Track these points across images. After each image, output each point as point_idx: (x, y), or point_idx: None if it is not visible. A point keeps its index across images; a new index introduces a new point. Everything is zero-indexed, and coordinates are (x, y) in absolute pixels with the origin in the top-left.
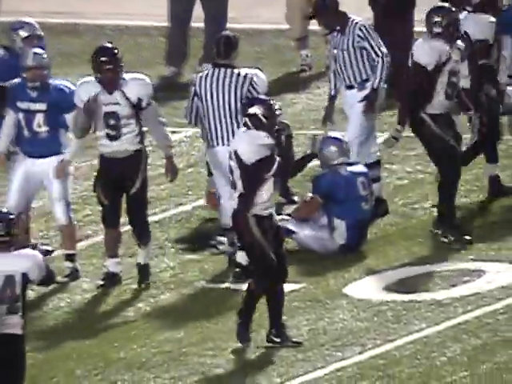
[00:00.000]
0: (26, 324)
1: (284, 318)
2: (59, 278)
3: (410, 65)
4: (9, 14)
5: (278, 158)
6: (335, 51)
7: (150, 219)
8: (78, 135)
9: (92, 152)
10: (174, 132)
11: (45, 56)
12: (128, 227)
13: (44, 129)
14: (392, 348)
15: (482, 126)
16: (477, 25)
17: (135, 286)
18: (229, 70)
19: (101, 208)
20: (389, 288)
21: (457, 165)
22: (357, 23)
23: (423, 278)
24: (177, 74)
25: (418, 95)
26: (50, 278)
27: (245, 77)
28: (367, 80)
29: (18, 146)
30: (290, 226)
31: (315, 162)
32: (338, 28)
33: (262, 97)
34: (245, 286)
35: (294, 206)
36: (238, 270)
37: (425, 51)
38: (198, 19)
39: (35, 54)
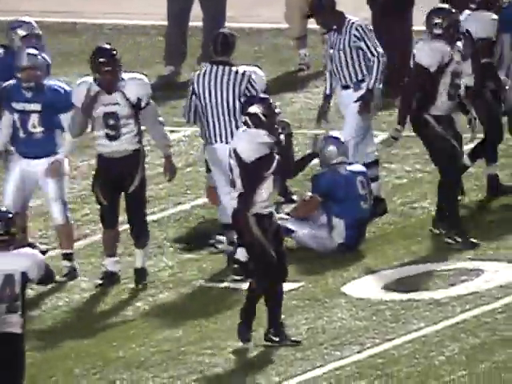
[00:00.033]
0: (25, 323)
1: (283, 316)
2: (57, 278)
3: (411, 66)
4: (7, 13)
5: (277, 157)
6: (331, 51)
7: (149, 218)
8: (75, 134)
9: (90, 151)
10: (172, 131)
11: (39, 57)
12: (126, 226)
13: (39, 129)
14: (390, 347)
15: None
16: (479, 23)
17: (134, 285)
18: (227, 68)
19: (99, 207)
20: (387, 287)
21: (457, 165)
22: (353, 23)
23: (422, 278)
24: (175, 73)
25: (421, 97)
26: (50, 277)
27: (243, 74)
28: (363, 80)
29: (14, 146)
30: (289, 225)
31: (314, 161)
32: (335, 27)
33: (262, 95)
34: (244, 285)
35: (293, 205)
36: (236, 266)
37: (426, 53)
38: (196, 18)
39: (29, 54)
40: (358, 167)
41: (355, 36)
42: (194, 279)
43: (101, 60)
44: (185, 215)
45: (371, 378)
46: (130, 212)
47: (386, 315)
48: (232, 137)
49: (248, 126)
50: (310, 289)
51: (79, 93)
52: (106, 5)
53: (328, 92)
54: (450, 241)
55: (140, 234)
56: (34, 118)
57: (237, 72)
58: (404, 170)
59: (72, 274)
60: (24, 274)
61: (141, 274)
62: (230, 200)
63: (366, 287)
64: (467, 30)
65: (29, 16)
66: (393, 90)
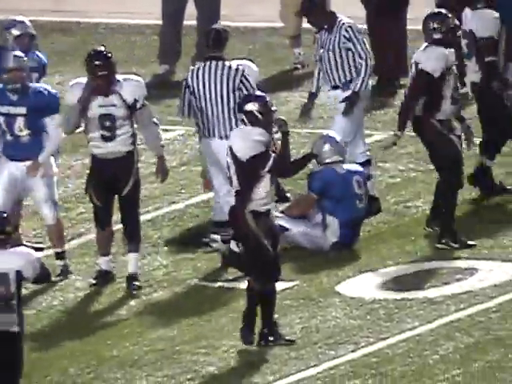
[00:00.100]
0: (22, 321)
1: (277, 316)
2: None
3: (411, 73)
4: (1, 12)
5: (273, 155)
6: (321, 51)
7: (143, 217)
8: (69, 132)
9: (84, 150)
10: (167, 130)
11: (25, 59)
12: (121, 226)
13: (25, 132)
14: (385, 346)
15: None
16: (481, 21)
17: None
18: (220, 63)
19: (93, 207)
20: (381, 286)
21: (461, 170)
22: (344, 23)
23: (416, 276)
24: (170, 72)
25: (427, 102)
26: (45, 276)
27: (236, 70)
28: (352, 81)
29: (1, 149)
30: (283, 223)
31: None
32: (326, 27)
33: (258, 93)
34: (239, 284)
35: (287, 204)
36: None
37: (432, 59)
38: (190, 17)
39: (15, 56)
40: (355, 167)
41: (345, 37)
42: (188, 278)
43: (96, 63)
44: (179, 214)
45: (365, 377)
46: (124, 213)
47: (380, 314)
48: (226, 130)
49: (244, 124)
50: (304, 288)
51: (74, 92)
52: (101, 4)
53: (313, 90)
54: (442, 246)
55: (133, 235)
56: (19, 121)
57: (230, 67)
58: (398, 169)
59: (65, 273)
60: (19, 273)
61: (132, 281)
62: (227, 198)
63: (360, 286)
64: (470, 30)
65: (23, 15)
66: (387, 90)
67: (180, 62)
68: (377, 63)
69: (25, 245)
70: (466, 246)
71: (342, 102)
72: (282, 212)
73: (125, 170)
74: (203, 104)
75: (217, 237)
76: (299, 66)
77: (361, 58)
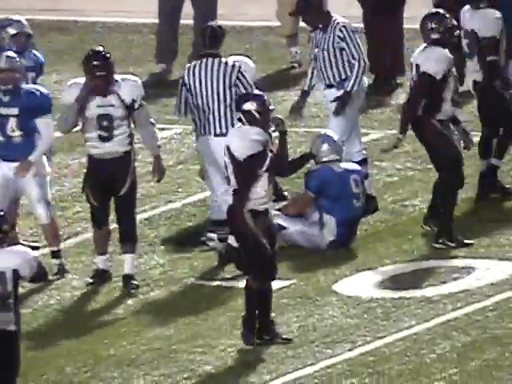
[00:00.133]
0: (19, 320)
1: (274, 314)
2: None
3: (414, 76)
4: (1, 12)
5: (270, 154)
6: (316, 50)
7: (140, 216)
8: (66, 131)
9: (81, 149)
10: (163, 129)
11: (18, 59)
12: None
13: (18, 133)
14: (382, 345)
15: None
16: (483, 21)
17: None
18: (216, 59)
19: (89, 206)
20: (378, 285)
21: (461, 170)
22: (338, 23)
23: (413, 275)
24: (167, 71)
25: (427, 104)
26: (42, 275)
27: (233, 66)
28: (346, 79)
29: None
30: (280, 222)
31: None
32: (321, 26)
33: (256, 92)
34: (237, 283)
35: (284, 202)
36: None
37: (433, 61)
38: (187, 16)
39: (8, 56)
40: (353, 165)
41: (339, 37)
42: (185, 277)
43: (95, 63)
44: (176, 213)
45: (362, 376)
46: (120, 213)
47: (377, 313)
48: (222, 127)
49: (242, 123)
50: (301, 286)
51: (71, 91)
52: (99, 3)
53: (306, 88)
54: (439, 246)
55: (129, 236)
56: (12, 122)
57: (226, 63)
58: (395, 167)
59: (62, 271)
60: (16, 272)
61: (128, 282)
62: (224, 197)
63: (357, 285)
64: (472, 29)
65: (19, 14)
66: (383, 88)
67: (177, 61)
68: (373, 62)
69: (22, 243)
70: (463, 245)
71: (333, 101)
72: (279, 210)
73: (122, 171)
74: (200, 101)
75: (213, 235)
76: (296, 64)
77: (354, 58)
